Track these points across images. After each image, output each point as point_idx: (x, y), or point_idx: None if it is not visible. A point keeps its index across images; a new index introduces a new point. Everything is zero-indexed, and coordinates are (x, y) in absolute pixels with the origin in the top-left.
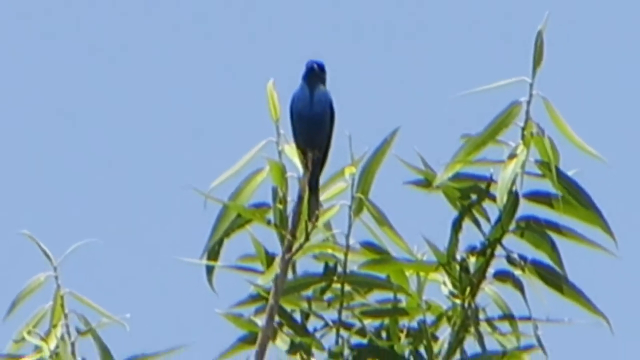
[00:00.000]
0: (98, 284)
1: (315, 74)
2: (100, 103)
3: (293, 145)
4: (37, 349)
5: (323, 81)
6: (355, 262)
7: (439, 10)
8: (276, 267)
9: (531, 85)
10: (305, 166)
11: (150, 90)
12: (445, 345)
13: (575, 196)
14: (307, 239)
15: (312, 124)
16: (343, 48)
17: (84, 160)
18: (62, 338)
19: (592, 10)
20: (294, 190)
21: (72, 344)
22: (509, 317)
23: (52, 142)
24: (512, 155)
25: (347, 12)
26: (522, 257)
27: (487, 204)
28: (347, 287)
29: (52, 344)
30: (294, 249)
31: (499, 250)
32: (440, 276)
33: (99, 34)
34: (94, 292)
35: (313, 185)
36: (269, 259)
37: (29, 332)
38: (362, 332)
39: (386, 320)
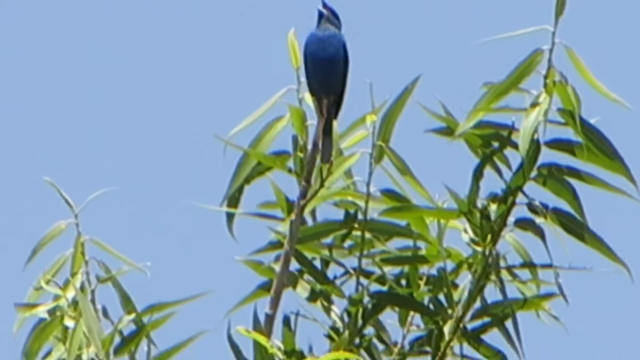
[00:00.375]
0: (119, 232)
1: (325, 18)
2: (122, 52)
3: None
4: (57, 297)
5: (336, 26)
6: (375, 210)
7: None
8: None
9: (553, 33)
10: (319, 112)
11: (173, 37)
12: (466, 293)
13: (597, 144)
14: (321, 185)
15: (325, 66)
16: None
17: (104, 108)
18: (82, 286)
19: None
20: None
21: (92, 292)
22: (529, 264)
23: (74, 91)
24: (534, 103)
25: None
26: (544, 205)
27: (508, 151)
28: (367, 235)
29: (71, 292)
30: (308, 195)
31: (520, 198)
32: (461, 223)
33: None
34: (114, 240)
35: (327, 131)
36: (290, 206)
37: (47, 282)
38: (382, 279)
39: (406, 268)
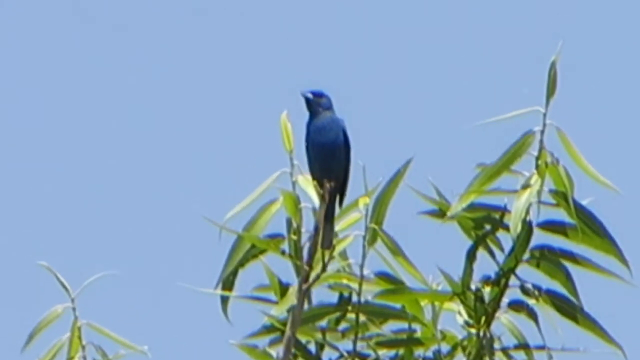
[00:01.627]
0: (115, 315)
1: (312, 102)
2: (116, 134)
3: (307, 176)
4: None
5: (327, 107)
6: (369, 292)
7: (451, 40)
8: (291, 298)
9: (544, 115)
10: (321, 197)
11: (165, 120)
12: None
13: (589, 225)
14: (324, 269)
15: (325, 152)
16: (355, 78)
17: (101, 193)
18: None
19: (605, 41)
20: (308, 220)
21: None
22: (524, 346)
23: (70, 173)
24: (526, 185)
25: (358, 42)
26: (537, 287)
27: (501, 233)
28: (361, 317)
29: None
30: (310, 279)
31: (513, 280)
32: (455, 306)
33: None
34: (110, 323)
35: (329, 215)
36: (283, 289)
37: None
38: None
39: (401, 351)
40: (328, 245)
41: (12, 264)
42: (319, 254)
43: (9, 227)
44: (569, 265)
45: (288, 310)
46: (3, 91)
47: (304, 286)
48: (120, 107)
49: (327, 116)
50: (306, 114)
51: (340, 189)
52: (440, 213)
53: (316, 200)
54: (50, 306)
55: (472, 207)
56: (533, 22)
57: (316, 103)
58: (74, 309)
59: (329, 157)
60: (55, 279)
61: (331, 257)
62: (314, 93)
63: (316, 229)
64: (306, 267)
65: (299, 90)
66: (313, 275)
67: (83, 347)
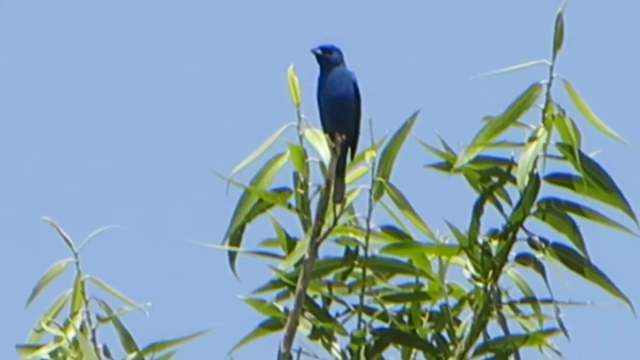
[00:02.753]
0: (119, 270)
1: (322, 58)
2: (123, 87)
3: (314, 129)
4: (57, 338)
5: (337, 61)
6: (376, 246)
7: None
8: (299, 252)
9: (551, 67)
10: (333, 150)
11: (173, 75)
12: (468, 329)
13: (596, 178)
14: (335, 222)
15: (336, 104)
16: (362, 31)
17: (104, 147)
18: (82, 325)
19: None
20: (315, 174)
21: (93, 331)
22: (531, 300)
23: (74, 129)
24: (532, 138)
25: None
26: (544, 240)
27: (508, 186)
28: (368, 272)
29: (71, 333)
30: (322, 233)
31: (520, 233)
32: (462, 259)
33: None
34: (115, 279)
35: (340, 169)
36: (291, 243)
37: (48, 323)
38: (384, 316)
39: (408, 305)
40: (340, 199)
41: (16, 220)
42: (330, 208)
43: (12, 183)
44: (576, 217)
45: (296, 265)
46: None
47: (316, 240)
48: (128, 60)
49: (338, 70)
50: (316, 70)
51: (351, 143)
52: (447, 166)
53: (323, 154)
54: (54, 261)
55: (479, 159)
56: None
57: (326, 58)
58: (77, 264)
59: (340, 110)
60: (58, 233)
61: (342, 211)
62: (323, 48)
63: (327, 182)
64: (318, 221)
65: (309, 47)
66: (324, 229)
67: (86, 302)
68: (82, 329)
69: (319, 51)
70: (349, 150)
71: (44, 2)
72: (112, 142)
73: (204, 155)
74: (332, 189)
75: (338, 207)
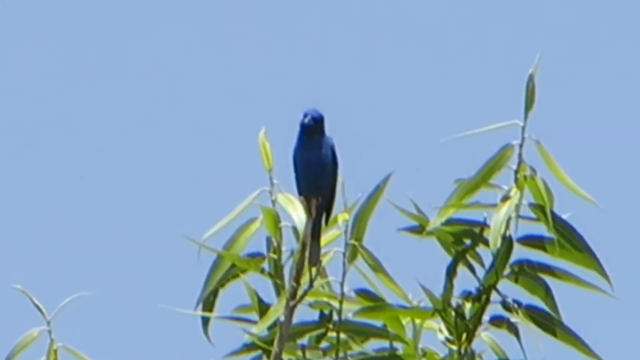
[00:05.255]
0: (92, 337)
1: (311, 128)
2: (98, 152)
3: (287, 194)
4: None
5: (322, 129)
6: (350, 310)
7: (430, 53)
8: (273, 315)
9: (523, 128)
10: (308, 213)
11: (143, 139)
12: None
13: (569, 239)
14: (311, 285)
15: (313, 170)
16: (334, 92)
17: (76, 212)
18: None
19: (584, 53)
20: (288, 239)
21: None
22: None
23: (45, 194)
24: (505, 198)
25: (338, 56)
26: (517, 302)
27: (481, 248)
28: (343, 335)
29: None
30: (298, 295)
31: (494, 296)
32: (436, 323)
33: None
34: (88, 346)
35: (315, 232)
36: (264, 308)
37: None
38: None
39: None
40: (315, 261)
41: None
42: (305, 270)
43: None
44: (548, 279)
45: (269, 328)
46: None
47: (291, 303)
48: (100, 125)
49: (318, 135)
50: (287, 130)
51: (326, 207)
52: (419, 229)
53: (296, 218)
54: (26, 329)
55: (451, 221)
56: (511, 36)
57: (314, 128)
58: (49, 332)
59: (318, 175)
60: (31, 301)
61: (318, 274)
62: (314, 119)
63: (303, 244)
64: (293, 284)
65: (299, 120)
66: (300, 292)
67: None
68: None
69: (312, 123)
70: (324, 214)
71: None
72: (81, 206)
73: (175, 220)
74: (308, 251)
75: (314, 269)
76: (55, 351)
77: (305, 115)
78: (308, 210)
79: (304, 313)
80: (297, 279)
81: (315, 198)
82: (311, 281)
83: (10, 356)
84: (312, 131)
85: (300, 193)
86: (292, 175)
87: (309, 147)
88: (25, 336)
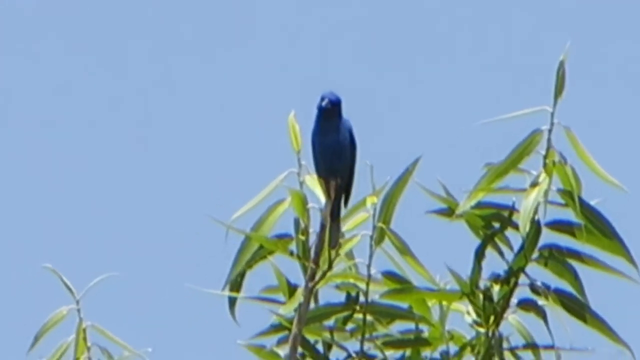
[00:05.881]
0: (120, 317)
1: (329, 111)
2: (124, 133)
3: (314, 175)
4: None
5: (339, 112)
6: (377, 292)
7: (462, 39)
8: (299, 297)
9: (552, 114)
10: (327, 195)
11: (173, 119)
12: None
13: (597, 225)
14: (330, 267)
15: (331, 152)
16: (364, 76)
17: (106, 193)
18: None
19: (614, 41)
20: (316, 220)
21: None
22: (532, 346)
23: (75, 173)
24: (534, 184)
25: (369, 41)
26: (545, 286)
27: (509, 232)
28: (369, 317)
29: None
30: (317, 277)
31: (522, 279)
32: (464, 305)
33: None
34: (116, 325)
35: (335, 214)
36: (291, 289)
37: None
38: None
39: (408, 351)
40: (334, 243)
41: (18, 267)
42: (325, 253)
43: (14, 230)
44: (576, 264)
45: (295, 309)
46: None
47: (310, 284)
48: (127, 105)
49: (335, 118)
50: (309, 114)
51: (345, 188)
52: (448, 211)
53: (323, 200)
54: (55, 308)
55: (480, 205)
56: (542, 21)
57: (333, 111)
58: (78, 311)
59: (335, 157)
60: (60, 280)
61: (337, 255)
62: (332, 102)
63: (322, 227)
64: (312, 266)
65: (317, 103)
66: (319, 273)
67: (88, 349)
68: None
69: (329, 106)
70: (343, 196)
71: None
72: (111, 186)
73: (204, 202)
74: (327, 232)
75: (333, 251)
76: (84, 330)
77: (322, 99)
78: (327, 191)
79: (331, 295)
80: (316, 261)
81: (334, 179)
82: (330, 263)
83: (39, 334)
84: (330, 114)
85: (319, 175)
86: (311, 157)
87: (326, 130)
88: (55, 314)
